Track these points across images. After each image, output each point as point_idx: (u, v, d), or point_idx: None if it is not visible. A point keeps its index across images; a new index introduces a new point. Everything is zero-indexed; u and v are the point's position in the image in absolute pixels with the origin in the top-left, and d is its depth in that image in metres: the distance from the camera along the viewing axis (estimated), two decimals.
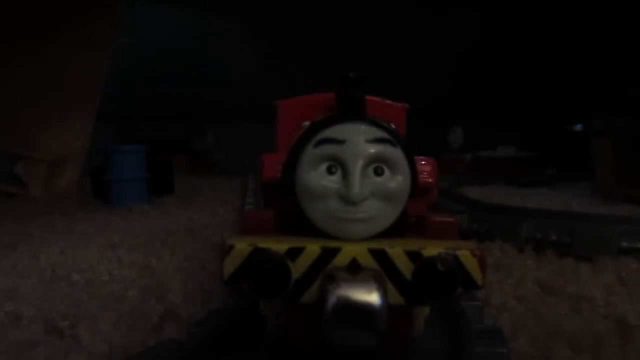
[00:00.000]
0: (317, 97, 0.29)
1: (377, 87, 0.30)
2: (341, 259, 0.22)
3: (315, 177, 0.23)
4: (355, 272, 0.22)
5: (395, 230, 0.24)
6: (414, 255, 0.22)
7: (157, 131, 1.80)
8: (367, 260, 0.22)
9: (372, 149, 0.23)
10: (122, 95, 1.66)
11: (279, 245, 0.22)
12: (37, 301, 0.41)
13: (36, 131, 1.07)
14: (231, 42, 1.97)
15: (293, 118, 0.29)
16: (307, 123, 0.26)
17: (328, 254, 0.22)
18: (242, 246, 0.22)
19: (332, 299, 0.21)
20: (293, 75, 1.63)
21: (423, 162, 0.26)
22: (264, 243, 0.22)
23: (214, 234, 0.66)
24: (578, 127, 1.28)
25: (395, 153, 0.24)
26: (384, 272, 0.22)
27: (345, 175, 0.23)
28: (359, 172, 0.23)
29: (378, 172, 0.24)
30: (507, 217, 0.63)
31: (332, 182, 0.23)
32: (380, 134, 0.24)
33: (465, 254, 0.22)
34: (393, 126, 0.25)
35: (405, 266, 0.22)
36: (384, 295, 0.21)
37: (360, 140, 0.23)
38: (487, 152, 1.71)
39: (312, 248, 0.22)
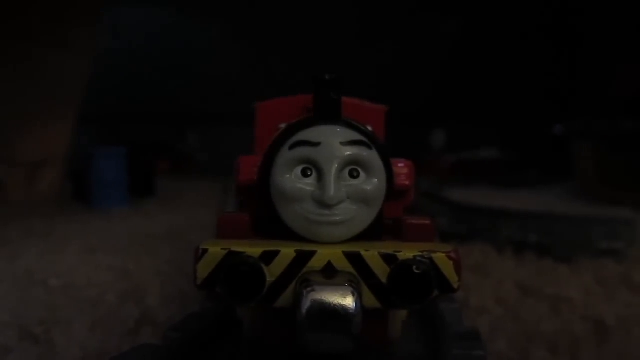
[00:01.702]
0: (295, 99, 0.29)
1: (359, 89, 0.30)
2: (316, 263, 0.22)
3: (290, 180, 0.23)
4: (330, 275, 0.22)
5: (372, 233, 0.24)
6: (389, 259, 0.22)
7: (139, 133, 1.78)
8: (343, 264, 0.22)
9: (347, 152, 0.23)
10: (104, 97, 1.65)
11: (253, 249, 0.22)
12: (12, 306, 0.40)
13: (15, 134, 1.06)
14: (213, 44, 1.96)
15: (271, 120, 0.29)
16: (283, 125, 0.26)
17: (303, 258, 0.22)
18: (215, 250, 0.22)
19: (306, 303, 0.20)
20: (276, 77, 1.63)
21: (400, 164, 0.26)
22: (238, 247, 0.22)
23: (195, 237, 0.66)
24: (559, 128, 1.29)
25: (371, 155, 0.24)
26: (359, 276, 0.22)
27: (320, 178, 0.23)
28: (334, 175, 0.23)
29: (353, 175, 0.23)
30: (488, 218, 0.63)
31: (307, 185, 0.23)
32: (355, 136, 0.24)
33: (441, 257, 0.22)
34: (370, 128, 0.25)
35: (380, 269, 0.22)
36: (359, 298, 0.21)
37: (335, 143, 0.23)
38: (469, 153, 1.72)
39: (287, 252, 0.22)
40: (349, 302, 0.20)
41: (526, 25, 1.88)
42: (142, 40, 1.92)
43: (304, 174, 0.23)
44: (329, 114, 0.24)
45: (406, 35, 1.96)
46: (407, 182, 0.26)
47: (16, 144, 1.07)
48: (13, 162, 1.06)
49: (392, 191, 0.25)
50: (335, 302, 0.20)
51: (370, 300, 0.22)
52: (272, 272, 0.22)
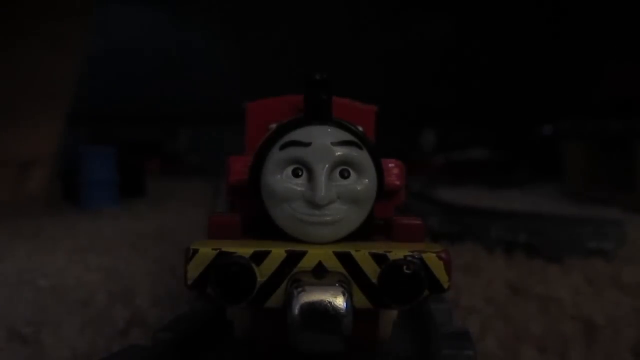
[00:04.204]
0: (286, 99, 0.29)
1: (349, 89, 0.30)
2: (307, 263, 0.22)
3: (281, 180, 0.23)
4: (321, 275, 0.22)
5: (362, 233, 0.24)
6: (380, 258, 0.22)
7: (129, 133, 1.78)
8: (333, 264, 0.22)
9: (338, 152, 0.23)
10: (94, 97, 1.64)
11: (244, 249, 0.22)
12: (0, 307, 0.40)
13: (4, 134, 1.05)
14: (205, 44, 1.96)
15: (261, 120, 0.28)
16: (274, 125, 0.25)
17: (293, 258, 0.22)
18: (206, 250, 0.22)
19: (297, 303, 0.20)
20: (268, 77, 1.63)
21: (390, 165, 0.26)
22: (229, 247, 0.22)
23: (184, 237, 0.66)
24: (548, 129, 1.30)
25: (362, 156, 0.24)
26: (350, 276, 0.22)
27: (311, 178, 0.23)
28: (325, 175, 0.23)
29: (344, 175, 0.23)
30: (478, 218, 0.63)
31: (298, 185, 0.23)
32: (346, 136, 0.24)
33: (431, 257, 0.22)
34: (360, 128, 0.25)
35: (371, 269, 0.22)
36: (350, 298, 0.21)
37: (325, 143, 0.23)
38: (460, 154, 1.72)
39: (278, 252, 0.22)
40: (339, 302, 0.20)
41: (516, 27, 1.89)
42: (133, 41, 1.92)
43: (295, 174, 0.23)
44: (319, 114, 0.24)
45: (396, 36, 1.96)
46: (397, 182, 0.26)
47: (4, 143, 1.06)
48: (1, 161, 1.06)
49: (383, 191, 0.25)
50: (326, 302, 0.20)
51: (361, 300, 0.22)
52: (263, 272, 0.22)
